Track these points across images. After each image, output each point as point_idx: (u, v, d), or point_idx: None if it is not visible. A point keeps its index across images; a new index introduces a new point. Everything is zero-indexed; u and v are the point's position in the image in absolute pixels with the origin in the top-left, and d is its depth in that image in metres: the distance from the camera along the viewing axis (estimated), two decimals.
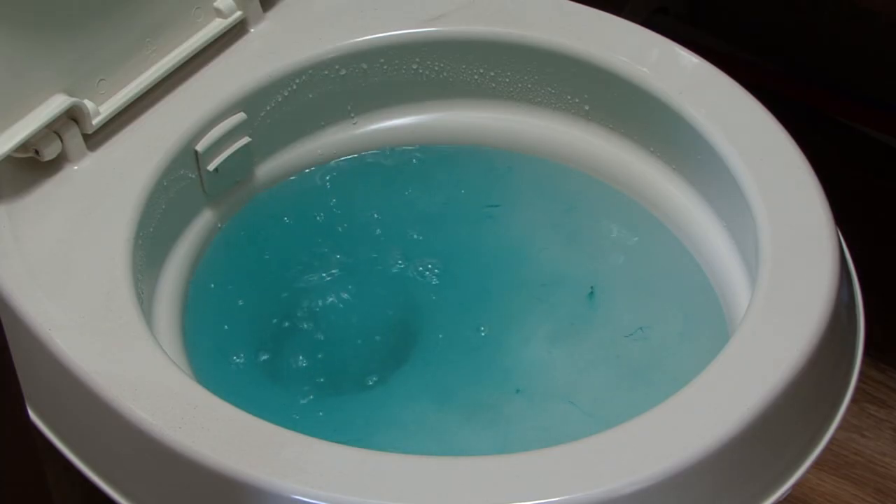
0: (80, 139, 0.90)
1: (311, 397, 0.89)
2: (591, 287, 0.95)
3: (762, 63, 1.51)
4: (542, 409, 0.88)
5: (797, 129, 0.92)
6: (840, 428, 0.81)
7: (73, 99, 0.89)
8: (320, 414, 0.88)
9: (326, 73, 0.99)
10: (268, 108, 0.98)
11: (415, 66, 1.01)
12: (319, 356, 0.92)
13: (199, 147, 0.93)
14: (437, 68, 1.01)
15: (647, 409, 0.76)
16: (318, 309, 0.94)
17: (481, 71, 1.01)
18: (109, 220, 0.87)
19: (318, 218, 0.99)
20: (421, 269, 0.97)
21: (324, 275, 0.96)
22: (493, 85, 1.02)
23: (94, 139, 0.92)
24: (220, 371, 0.89)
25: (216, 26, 0.97)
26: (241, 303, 0.94)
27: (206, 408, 0.76)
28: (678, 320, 0.92)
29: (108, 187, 0.89)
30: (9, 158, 0.87)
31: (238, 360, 0.91)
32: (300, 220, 0.99)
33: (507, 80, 1.01)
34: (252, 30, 0.99)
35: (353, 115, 1.03)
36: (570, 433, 0.84)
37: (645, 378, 0.89)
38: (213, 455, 0.74)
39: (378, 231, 0.99)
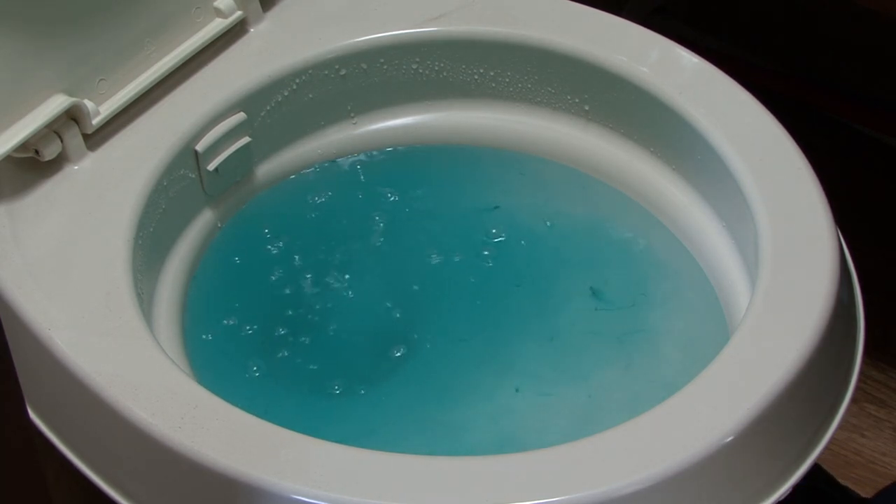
0: (80, 139, 0.90)
1: (311, 397, 0.89)
2: (591, 287, 0.95)
3: (762, 63, 1.51)
4: (541, 409, 0.88)
5: (797, 129, 0.92)
6: (840, 428, 0.81)
7: (73, 99, 0.89)
8: (320, 413, 0.88)
9: (326, 73, 0.99)
10: (268, 108, 0.98)
11: (415, 66, 1.01)
12: (319, 355, 0.92)
13: (199, 147, 0.93)
14: (437, 68, 1.01)
15: (648, 409, 0.76)
16: (317, 308, 0.94)
17: (481, 71, 1.01)
18: (109, 220, 0.87)
19: (317, 218, 0.99)
20: (421, 268, 0.97)
21: (323, 275, 0.96)
22: (493, 85, 1.02)
23: (94, 139, 0.92)
24: (219, 371, 0.89)
25: (216, 26, 0.97)
26: (240, 303, 0.94)
27: (206, 408, 0.76)
28: (678, 320, 0.92)
29: (108, 187, 0.89)
30: (9, 158, 0.87)
31: (238, 360, 0.91)
32: (300, 220, 0.99)
33: (507, 80, 1.01)
34: (252, 30, 0.99)
35: (353, 115, 1.03)
36: (569, 433, 0.84)
37: (645, 378, 0.89)
38: (213, 455, 0.74)
39: (378, 231, 0.99)
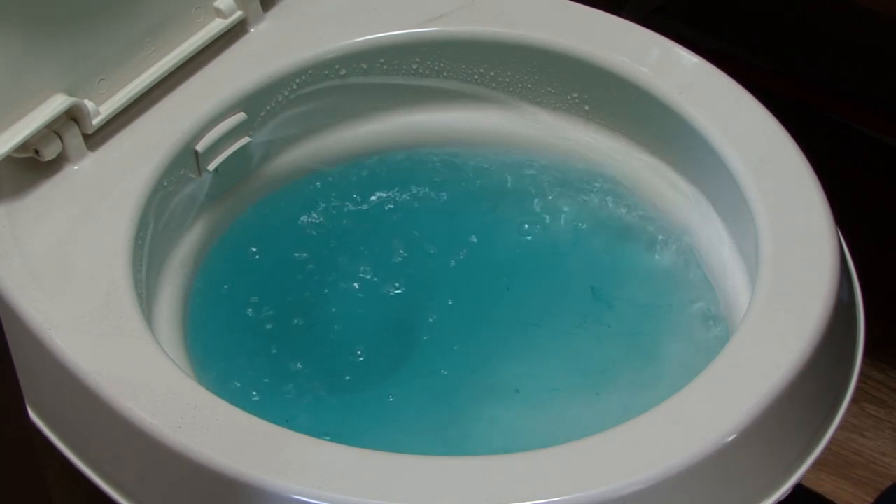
0: (80, 139, 0.90)
1: (312, 397, 0.89)
2: (591, 286, 0.95)
3: (762, 63, 1.51)
4: (541, 409, 0.88)
5: (797, 129, 0.92)
6: (840, 428, 0.81)
7: (73, 99, 0.89)
8: (321, 414, 0.88)
9: (326, 73, 0.99)
10: (268, 108, 0.98)
11: (415, 66, 1.01)
12: (319, 355, 0.92)
13: (199, 147, 0.93)
14: (437, 68, 1.01)
15: (648, 409, 0.76)
16: (318, 309, 0.94)
17: (481, 71, 1.01)
18: (109, 220, 0.87)
19: (318, 218, 0.99)
20: (422, 269, 0.97)
21: (324, 275, 0.96)
22: (493, 85, 1.02)
23: (94, 139, 0.92)
24: (220, 371, 0.89)
25: (216, 26, 0.97)
26: (241, 303, 0.94)
27: (206, 408, 0.76)
28: (678, 320, 0.92)
29: (108, 187, 0.89)
30: (9, 158, 0.87)
31: (238, 361, 0.91)
32: (301, 221, 0.99)
33: (507, 80, 1.01)
34: (252, 30, 0.99)
35: (353, 115, 1.02)
36: (569, 433, 0.84)
37: (645, 378, 0.89)
38: (213, 455, 0.74)
39: (379, 231, 0.99)
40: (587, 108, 1.00)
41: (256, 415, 0.76)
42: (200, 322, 0.92)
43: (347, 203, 1.00)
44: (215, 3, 0.97)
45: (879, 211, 1.41)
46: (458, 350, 0.92)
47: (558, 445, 0.75)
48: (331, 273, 0.96)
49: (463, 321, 0.93)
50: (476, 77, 1.02)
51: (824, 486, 1.21)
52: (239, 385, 0.89)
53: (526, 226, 0.99)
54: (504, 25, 0.99)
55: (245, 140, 0.97)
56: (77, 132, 0.90)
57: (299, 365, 0.91)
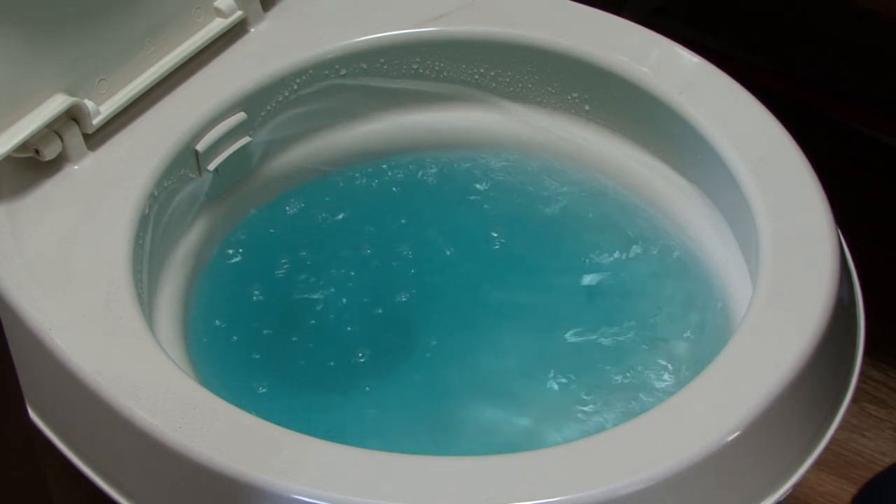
0: (80, 139, 0.90)
1: (311, 397, 0.89)
2: (591, 286, 0.95)
3: (762, 63, 1.51)
4: (540, 408, 0.88)
5: (797, 129, 0.92)
6: (840, 428, 0.81)
7: (74, 99, 0.89)
8: (320, 414, 0.88)
9: (326, 73, 0.99)
10: (268, 108, 0.98)
11: (415, 66, 1.01)
12: (319, 356, 0.92)
13: (199, 147, 0.93)
14: (437, 68, 1.01)
15: (648, 409, 0.76)
16: (317, 309, 0.94)
17: (481, 71, 1.01)
18: (110, 219, 0.87)
19: (318, 218, 1.00)
20: (420, 271, 0.97)
21: (325, 276, 0.96)
22: (493, 85, 1.02)
23: (94, 139, 0.92)
24: (220, 371, 0.89)
25: (216, 26, 0.97)
26: (241, 303, 0.94)
27: (206, 408, 0.76)
28: (678, 320, 0.92)
29: (108, 187, 0.89)
30: (9, 158, 0.87)
31: (239, 360, 0.91)
32: (301, 221, 0.99)
33: (507, 80, 1.01)
34: (252, 30, 0.99)
35: (353, 115, 1.02)
36: (567, 433, 0.84)
37: (644, 378, 0.89)
38: (213, 455, 0.74)
39: (379, 232, 0.99)
40: (587, 108, 1.00)
41: (256, 414, 0.76)
42: (200, 321, 0.92)
43: (347, 203, 1.00)
44: (215, 3, 0.97)
45: (879, 211, 1.41)
46: (458, 351, 0.92)
47: (558, 445, 0.75)
48: (331, 272, 0.96)
49: (462, 323, 0.93)
50: (476, 77, 1.02)
51: (824, 486, 1.21)
52: (239, 385, 0.89)
53: (525, 226, 0.99)
54: (504, 25, 0.99)
55: (245, 140, 0.97)
56: (77, 132, 0.90)
57: (297, 365, 0.91)
